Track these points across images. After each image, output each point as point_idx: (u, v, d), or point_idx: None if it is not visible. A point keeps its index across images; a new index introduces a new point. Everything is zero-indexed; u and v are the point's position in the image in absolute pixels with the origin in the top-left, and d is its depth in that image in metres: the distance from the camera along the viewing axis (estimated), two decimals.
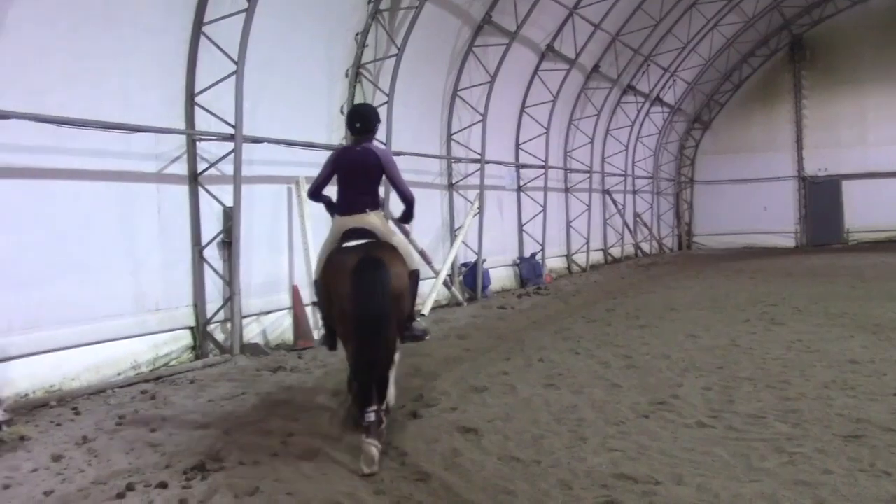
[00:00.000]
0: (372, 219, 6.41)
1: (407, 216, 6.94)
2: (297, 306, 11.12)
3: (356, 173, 6.50)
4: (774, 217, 29.87)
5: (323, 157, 11.97)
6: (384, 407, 6.08)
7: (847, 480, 4.98)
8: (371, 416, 5.72)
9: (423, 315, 13.34)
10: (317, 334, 11.20)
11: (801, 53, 29.77)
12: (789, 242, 29.91)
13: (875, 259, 22.16)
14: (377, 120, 6.83)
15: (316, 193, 6.73)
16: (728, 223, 30.35)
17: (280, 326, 11.15)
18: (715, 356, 9.20)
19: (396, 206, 7.39)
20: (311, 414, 7.09)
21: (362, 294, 5.79)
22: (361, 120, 6.71)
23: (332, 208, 6.69)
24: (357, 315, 5.79)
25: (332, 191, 6.71)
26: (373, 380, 5.89)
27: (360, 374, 5.91)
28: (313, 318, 11.42)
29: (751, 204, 29.87)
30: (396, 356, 6.62)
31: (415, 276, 6.61)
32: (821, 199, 29.66)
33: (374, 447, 5.53)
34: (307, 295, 11.43)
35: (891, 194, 28.19)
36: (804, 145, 30.00)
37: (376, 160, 6.49)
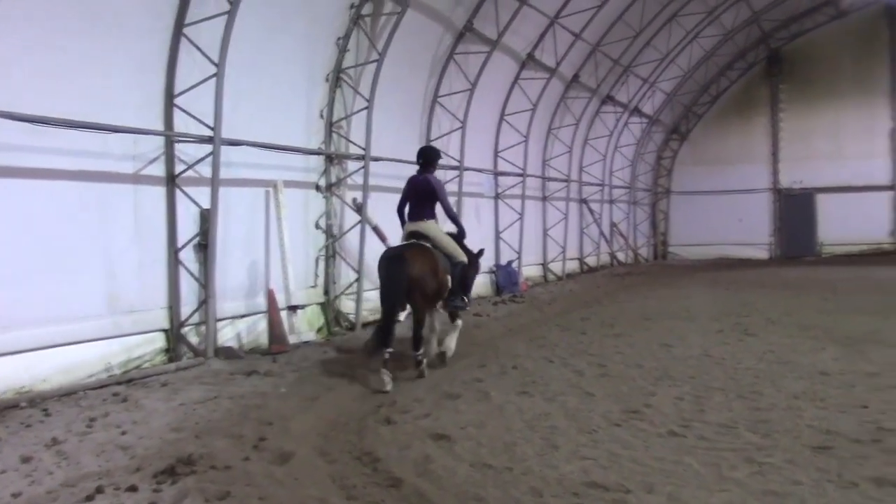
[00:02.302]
0: (428, 225, 9.58)
1: (459, 230, 10.17)
2: (272, 310, 11.08)
3: (418, 194, 9.62)
4: (749, 229, 30.15)
5: (302, 160, 12.08)
6: (420, 352, 9.15)
7: (815, 491, 5.05)
8: (386, 355, 8.53)
9: (398, 321, 13.32)
10: (292, 338, 11.18)
11: (779, 67, 30.15)
12: (763, 254, 30.19)
13: (847, 272, 22.42)
14: (436, 158, 10.03)
15: (399, 210, 9.86)
16: (703, 234, 30.60)
17: (255, 330, 11.10)
18: (687, 366, 9.28)
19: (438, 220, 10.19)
20: (284, 418, 7.07)
21: (385, 277, 8.91)
22: (423, 157, 9.86)
23: (403, 223, 9.80)
24: (381, 290, 9.02)
25: None
26: (385, 334, 8.65)
27: (382, 326, 8.83)
28: (288, 322, 11.40)
29: (726, 215, 30.14)
30: (459, 322, 10.09)
31: (460, 266, 9.68)
32: (795, 211, 29.98)
33: (386, 375, 8.43)
34: (283, 299, 11.41)
35: (864, 208, 28.59)
36: (780, 158, 30.33)
37: (430, 186, 9.55)
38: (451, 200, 16.04)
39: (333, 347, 11.07)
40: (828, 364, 9.18)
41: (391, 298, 8.84)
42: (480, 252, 10.81)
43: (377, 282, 9.02)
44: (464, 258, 9.79)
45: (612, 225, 27.94)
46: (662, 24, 23.35)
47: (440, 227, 9.91)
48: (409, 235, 9.55)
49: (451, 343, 9.99)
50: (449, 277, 9.59)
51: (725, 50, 28.51)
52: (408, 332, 9.68)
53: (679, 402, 7.50)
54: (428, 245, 9.37)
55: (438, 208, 9.79)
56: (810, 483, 5.19)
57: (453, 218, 10.16)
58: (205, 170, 9.90)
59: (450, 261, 9.62)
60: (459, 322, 10.16)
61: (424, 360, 9.17)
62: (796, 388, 7.94)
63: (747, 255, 29.76)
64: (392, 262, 8.92)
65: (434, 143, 15.71)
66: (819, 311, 14.06)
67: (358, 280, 12.75)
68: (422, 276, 8.93)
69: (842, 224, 28.89)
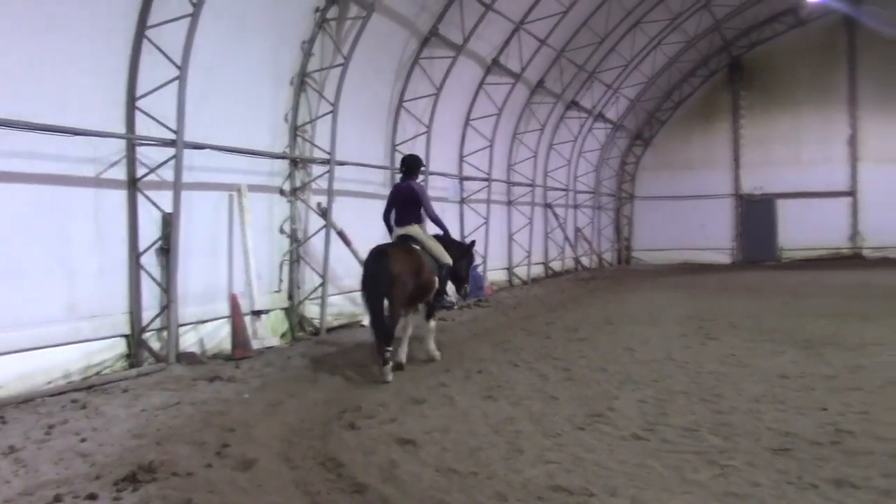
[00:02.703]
0: (414, 229, 10.15)
1: (443, 230, 10.77)
2: (235, 315, 10.98)
3: (403, 201, 10.22)
4: (711, 234, 30.53)
5: (266, 164, 12.01)
6: (390, 349, 9.22)
7: (775, 493, 5.11)
8: (386, 354, 9.09)
9: (363, 325, 13.30)
10: (256, 344, 11.09)
11: (740, 74, 30.62)
12: (725, 259, 30.59)
13: (806, 277, 22.79)
14: (418, 166, 10.53)
15: (385, 217, 10.50)
16: (666, 239, 30.92)
17: (218, 336, 10.99)
18: (651, 369, 9.36)
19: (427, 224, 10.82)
20: (247, 424, 7.01)
21: (368, 273, 9.44)
22: (406, 165, 10.42)
23: (391, 229, 10.43)
24: (363, 286, 9.52)
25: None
26: (380, 329, 9.16)
27: (374, 324, 9.35)
28: (251, 327, 11.31)
29: (689, 220, 30.51)
30: (432, 324, 10.44)
31: (446, 267, 10.33)
32: (756, 216, 30.43)
33: (388, 372, 9.04)
34: (246, 304, 11.31)
35: (823, 214, 29.13)
36: (741, 164, 30.79)
37: (413, 193, 10.19)
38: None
39: (298, 353, 10.99)
40: (787, 367, 9.31)
41: (373, 294, 9.28)
42: (472, 244, 11.51)
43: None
44: (449, 261, 10.41)
45: (577, 230, 28.11)
46: (626, 31, 23.60)
47: (426, 230, 10.47)
48: (400, 238, 10.10)
49: (431, 345, 10.46)
50: (436, 278, 10.13)
51: (688, 57, 28.91)
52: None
53: (642, 406, 7.55)
54: (416, 246, 9.93)
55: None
56: (770, 485, 5.25)
57: (435, 220, 10.54)
58: (167, 173, 9.79)
59: (436, 262, 10.19)
60: (433, 323, 10.50)
61: (391, 362, 9.19)
62: (757, 391, 8.04)
63: (709, 259, 30.12)
64: (376, 257, 9.41)
65: (399, 148, 15.73)
66: (779, 314, 14.26)
67: (322, 285, 12.69)
68: (402, 273, 9.32)
69: (801, 229, 29.40)
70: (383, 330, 9.13)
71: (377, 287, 9.22)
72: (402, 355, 9.93)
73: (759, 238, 30.33)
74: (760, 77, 30.30)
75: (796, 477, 5.38)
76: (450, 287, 11.18)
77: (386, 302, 9.29)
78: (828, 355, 9.98)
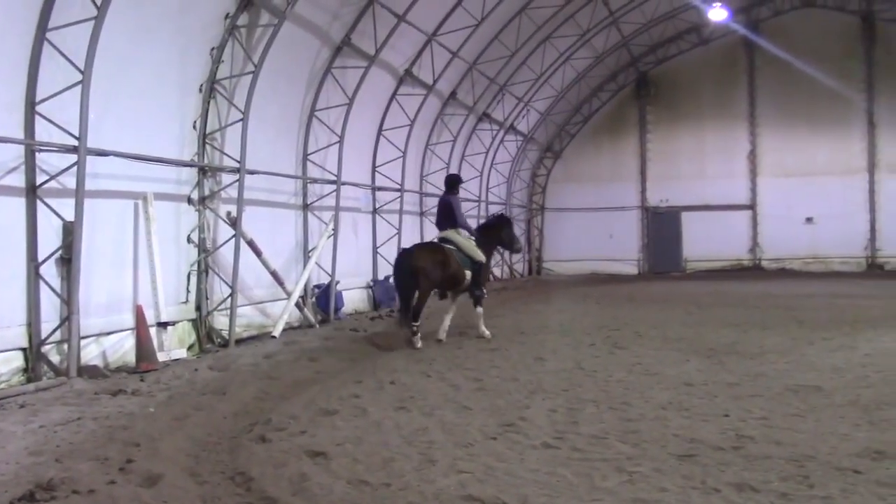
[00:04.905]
0: (450, 233, 12.91)
1: (469, 231, 13.31)
2: (140, 327, 10.67)
3: (443, 210, 13.17)
4: (619, 245, 31.21)
5: (174, 172, 11.74)
6: (417, 324, 12.11)
7: (681, 498, 5.23)
8: (414, 328, 12.01)
9: (273, 337, 13.12)
10: (162, 356, 10.81)
11: (647, 89, 31.46)
12: (632, 270, 31.30)
13: (710, 287, 23.49)
14: (455, 183, 13.58)
15: (437, 224, 13.38)
16: (576, 250, 31.46)
17: (122, 348, 10.67)
18: (561, 379, 9.48)
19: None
20: (152, 439, 6.81)
21: (396, 267, 12.68)
22: (446, 183, 13.65)
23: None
24: (394, 275, 12.82)
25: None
26: (408, 309, 12.05)
27: (401, 308, 12.46)
28: (157, 339, 11.02)
29: (597, 232, 31.13)
30: (479, 310, 13.19)
31: (479, 264, 12.92)
32: (662, 228, 31.28)
33: (417, 342, 12.00)
34: (152, 315, 11.01)
35: (725, 226, 30.23)
36: (648, 177, 31.62)
37: (449, 204, 13.06)
38: (330, 214, 16.04)
39: (206, 365, 10.73)
40: (692, 375, 9.57)
41: (400, 284, 12.38)
42: (500, 214, 14.88)
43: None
44: (482, 258, 12.98)
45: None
46: (537, 46, 24.01)
47: (463, 233, 13.10)
48: (438, 240, 13.02)
49: (481, 327, 13.13)
50: (468, 272, 12.74)
51: (597, 72, 29.58)
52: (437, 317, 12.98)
53: (553, 415, 7.64)
54: (445, 245, 12.63)
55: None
56: (676, 490, 5.36)
57: (463, 225, 13.11)
58: (69, 181, 9.47)
59: (471, 260, 12.78)
60: (479, 309, 13.17)
61: (419, 334, 12.11)
62: (663, 399, 8.23)
63: (617, 270, 30.76)
64: (403, 255, 12.70)
65: (311, 157, 15.66)
66: (684, 324, 14.65)
67: (232, 295, 12.45)
68: (424, 266, 12.03)
69: (705, 241, 30.39)
70: (412, 310, 11.99)
71: (404, 279, 12.16)
72: (443, 333, 12.73)
73: (664, 249, 31.18)
74: (666, 93, 31.23)
75: (700, 482, 5.51)
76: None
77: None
78: (730, 363, 10.30)
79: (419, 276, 12.00)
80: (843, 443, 6.40)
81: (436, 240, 13.13)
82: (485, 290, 13.36)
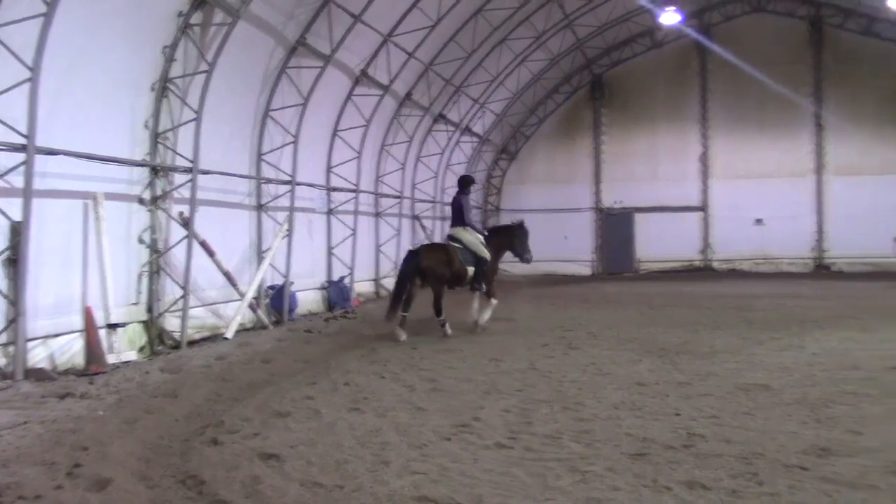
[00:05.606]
0: (458, 230, 13.87)
1: (478, 231, 14.18)
2: (89, 329, 10.50)
3: (454, 210, 14.22)
4: (573, 246, 31.42)
5: (125, 171, 11.57)
6: (442, 318, 13.35)
7: (633, 496, 5.30)
8: (402, 318, 12.96)
9: (225, 338, 13.00)
10: (111, 358, 10.65)
11: (601, 92, 31.74)
12: (586, 270, 31.55)
13: (662, 288, 23.79)
14: (467, 184, 14.38)
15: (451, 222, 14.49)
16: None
17: (70, 350, 10.48)
18: (515, 379, 9.53)
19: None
20: (101, 443, 6.71)
21: (403, 265, 13.68)
22: (459, 184, 14.33)
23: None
24: (399, 272, 13.69)
25: None
26: (399, 301, 12.97)
27: (392, 299, 13.26)
28: (107, 341, 10.85)
29: (552, 233, 31.09)
30: (493, 301, 14.23)
31: (483, 261, 13.74)
32: (615, 230, 31.58)
33: (402, 333, 12.90)
34: (101, 317, 10.84)
35: (677, 227, 30.64)
36: (602, 178, 31.89)
37: (459, 204, 14.03)
38: (285, 215, 15.93)
39: (157, 367, 10.59)
40: (644, 375, 9.68)
41: (400, 281, 13.32)
42: (520, 223, 15.04)
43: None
44: (486, 255, 13.81)
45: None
46: (492, 47, 24.10)
47: (470, 231, 13.89)
48: (448, 238, 14.17)
49: (486, 316, 14.10)
50: (470, 268, 13.62)
51: (552, 74, 29.80)
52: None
53: (507, 415, 7.68)
54: (449, 244, 13.80)
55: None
56: (628, 489, 5.43)
57: (470, 224, 13.95)
58: (17, 180, 9.28)
59: (474, 257, 13.66)
60: (494, 301, 14.21)
61: (446, 323, 13.41)
62: (616, 399, 8.32)
63: (572, 271, 30.96)
64: (411, 255, 13.60)
65: (266, 157, 15.51)
66: (636, 324, 14.82)
67: (184, 297, 12.31)
68: (432, 266, 13.21)
69: (658, 242, 30.77)
70: (398, 304, 13.02)
71: (405, 277, 13.16)
72: (480, 319, 14.03)
73: (618, 250, 31.49)
74: (620, 95, 31.56)
75: (652, 480, 5.59)
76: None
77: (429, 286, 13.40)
78: (681, 363, 10.44)
79: (428, 275, 13.19)
80: (791, 440, 6.54)
81: (446, 237, 14.23)
82: (484, 286, 14.03)
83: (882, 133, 28.98)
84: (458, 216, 14.00)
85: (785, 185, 29.75)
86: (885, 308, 16.86)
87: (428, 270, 13.13)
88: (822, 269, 29.44)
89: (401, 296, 13.03)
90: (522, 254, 14.86)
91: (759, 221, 30.02)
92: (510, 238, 14.68)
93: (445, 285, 13.55)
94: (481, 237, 14.01)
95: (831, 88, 29.70)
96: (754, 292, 21.37)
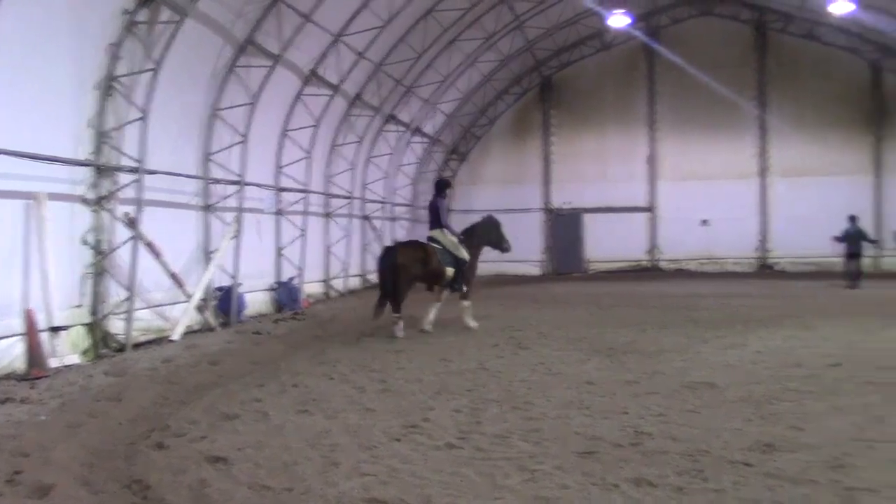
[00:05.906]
0: (436, 232, 14.02)
1: (452, 232, 14.23)
2: (30, 332, 10.27)
3: (431, 212, 14.37)
4: (523, 246, 31.20)
5: (68, 171, 11.34)
6: (399, 314, 13.40)
7: (581, 494, 5.36)
8: (396, 319, 13.33)
9: (171, 341, 12.81)
10: (54, 362, 10.44)
11: (550, 93, 32.02)
12: (536, 271, 31.75)
13: (610, 288, 24.06)
14: (443, 187, 14.53)
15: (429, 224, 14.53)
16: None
17: (10, 354, 10.22)
18: (465, 379, 9.56)
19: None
20: (43, 448, 6.56)
21: (380, 262, 14.01)
22: (435, 188, 14.54)
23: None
24: (378, 269, 14.31)
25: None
26: (386, 299, 13.38)
27: (381, 296, 13.54)
28: (50, 344, 10.63)
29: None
30: (465, 303, 14.41)
31: (462, 261, 14.11)
32: (565, 230, 31.85)
33: (399, 331, 13.22)
34: (43, 319, 10.61)
35: (625, 228, 31.04)
36: (551, 179, 32.14)
37: (436, 206, 14.18)
38: (233, 215, 15.76)
39: (101, 370, 10.41)
40: (592, 374, 9.78)
41: (382, 278, 13.75)
42: (488, 217, 15.59)
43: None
44: (465, 256, 14.17)
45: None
46: (443, 48, 24.15)
47: (447, 234, 14.09)
48: (427, 240, 14.10)
49: (469, 319, 14.30)
50: (449, 269, 13.87)
51: (502, 75, 29.94)
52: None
53: (457, 415, 7.70)
54: (429, 244, 13.87)
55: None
56: (577, 487, 5.49)
57: (445, 226, 14.13)
58: None
59: (454, 258, 13.95)
60: (466, 302, 14.41)
61: (400, 323, 13.38)
62: (565, 398, 8.39)
63: (522, 271, 31.05)
64: (386, 251, 14.09)
65: (214, 157, 15.34)
66: (585, 324, 14.97)
67: (129, 299, 12.11)
68: (404, 263, 13.39)
69: (606, 242, 31.14)
70: (385, 305, 13.40)
71: (386, 274, 13.46)
72: (427, 325, 13.98)
73: (567, 251, 31.76)
74: (570, 97, 31.85)
75: (600, 478, 5.65)
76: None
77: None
78: (629, 362, 10.57)
79: (399, 271, 13.31)
80: (736, 437, 6.67)
81: (428, 236, 14.19)
82: (464, 286, 14.33)
83: (824, 136, 29.62)
84: (436, 218, 14.20)
85: (730, 186, 30.29)
86: (826, 307, 17.27)
87: (400, 267, 13.34)
88: (765, 269, 30.05)
89: (387, 293, 13.44)
90: (501, 244, 15.36)
91: (705, 222, 30.51)
92: (486, 234, 15.04)
93: (414, 284, 13.81)
94: (456, 239, 14.19)
95: (775, 92, 30.33)
96: (700, 292, 21.72)
